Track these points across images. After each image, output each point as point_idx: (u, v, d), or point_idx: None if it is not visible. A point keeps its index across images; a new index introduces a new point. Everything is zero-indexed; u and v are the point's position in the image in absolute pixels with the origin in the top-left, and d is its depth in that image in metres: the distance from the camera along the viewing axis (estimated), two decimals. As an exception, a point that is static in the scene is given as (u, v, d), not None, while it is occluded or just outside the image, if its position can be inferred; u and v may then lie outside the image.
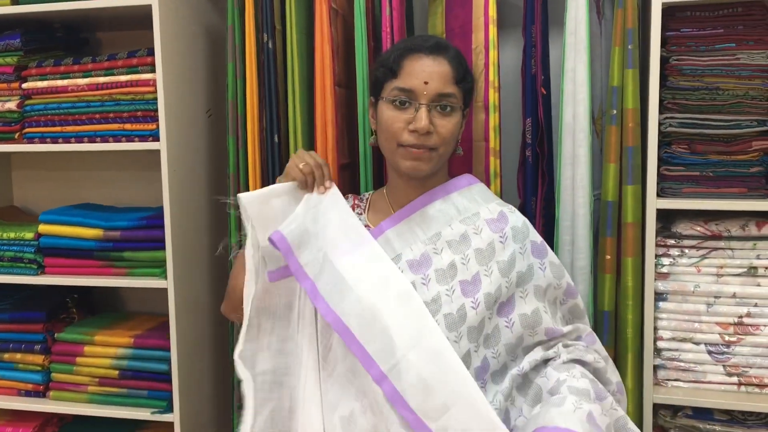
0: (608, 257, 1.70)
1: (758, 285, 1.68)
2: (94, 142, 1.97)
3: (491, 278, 1.39)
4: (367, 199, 1.60)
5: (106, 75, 1.95)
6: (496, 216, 1.46)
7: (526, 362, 1.41)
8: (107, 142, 1.96)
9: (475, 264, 1.40)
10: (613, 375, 1.47)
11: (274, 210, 1.44)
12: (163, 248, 1.93)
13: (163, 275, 1.96)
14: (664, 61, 1.65)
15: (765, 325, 1.68)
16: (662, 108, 1.66)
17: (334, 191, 1.48)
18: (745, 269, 1.68)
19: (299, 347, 1.45)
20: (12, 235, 2.05)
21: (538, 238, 1.47)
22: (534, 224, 1.61)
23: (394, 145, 1.43)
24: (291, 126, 1.84)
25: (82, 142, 1.98)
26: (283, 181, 1.48)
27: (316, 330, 1.42)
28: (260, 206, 1.43)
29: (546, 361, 1.43)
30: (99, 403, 2.07)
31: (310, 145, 1.86)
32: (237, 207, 1.45)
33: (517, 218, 1.47)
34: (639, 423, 1.70)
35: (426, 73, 1.40)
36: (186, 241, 2.00)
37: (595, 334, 1.51)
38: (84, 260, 2.02)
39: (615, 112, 1.67)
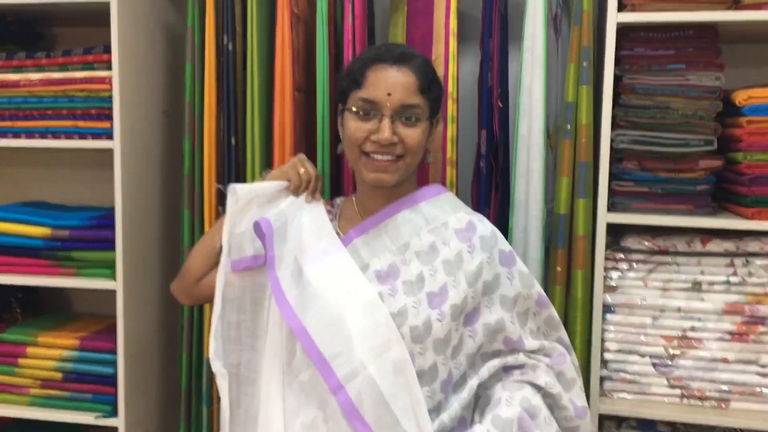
0: (559, 269, 1.73)
1: (702, 300, 1.72)
2: (46, 138, 1.93)
3: (458, 289, 1.38)
4: (338, 205, 1.60)
5: (60, 71, 1.91)
6: (464, 226, 1.46)
7: (485, 370, 1.42)
8: (59, 138, 1.92)
9: (442, 275, 1.40)
10: (577, 398, 1.46)
11: (250, 205, 1.49)
12: (113, 249, 1.89)
13: (113, 276, 1.92)
14: (617, 79, 1.69)
15: (707, 339, 1.72)
16: (614, 125, 1.70)
17: (320, 203, 1.53)
18: (690, 284, 1.73)
19: (266, 347, 1.45)
20: (-46, 231, 1.99)
21: (507, 247, 1.47)
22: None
23: (357, 154, 1.43)
24: (249, 129, 1.83)
25: (33, 137, 1.94)
26: (276, 178, 1.52)
27: (283, 334, 1.42)
28: (247, 199, 1.49)
29: (504, 369, 1.44)
30: (41, 406, 2.01)
31: (268, 149, 1.85)
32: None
33: (485, 227, 1.46)
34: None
35: (389, 84, 1.40)
36: (137, 243, 1.97)
37: (568, 354, 1.49)
38: (31, 259, 1.97)
39: (569, 127, 1.70)
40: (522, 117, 1.72)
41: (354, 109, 1.42)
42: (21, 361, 2.02)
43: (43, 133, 1.93)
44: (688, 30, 1.68)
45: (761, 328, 1.70)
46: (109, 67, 1.85)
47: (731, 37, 1.79)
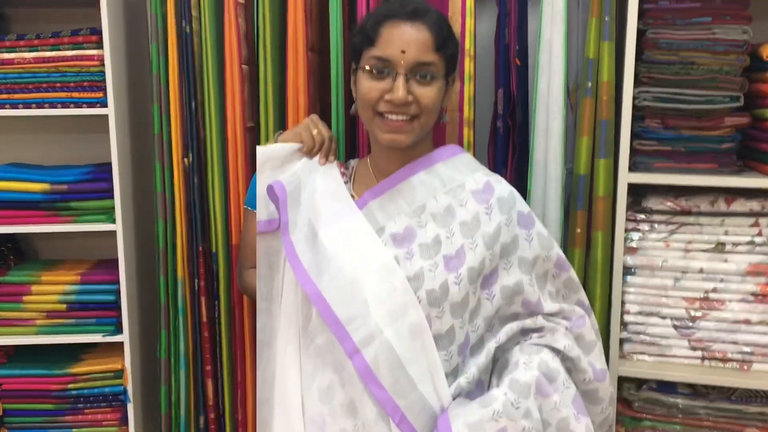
0: (578, 231, 1.71)
1: (725, 261, 1.70)
2: (43, 108, 2.07)
3: (475, 252, 1.36)
4: (352, 167, 1.58)
5: (52, 50, 2.06)
6: (481, 187, 1.43)
7: (503, 333, 1.40)
8: (56, 108, 2.06)
9: (459, 237, 1.38)
10: (597, 361, 1.45)
11: (263, 167, 1.49)
12: (111, 197, 2.06)
13: (110, 220, 2.07)
14: (640, 34, 1.65)
15: (730, 301, 1.70)
16: (637, 82, 1.66)
17: (333, 165, 1.52)
18: (713, 245, 1.70)
19: (282, 312, 1.45)
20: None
21: (526, 208, 1.44)
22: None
23: (371, 114, 1.40)
24: (261, 96, 1.88)
25: (30, 108, 2.07)
26: (288, 139, 1.51)
27: (299, 298, 1.41)
28: (261, 162, 1.49)
29: (523, 332, 1.43)
30: (48, 334, 2.13)
31: (282, 112, 1.85)
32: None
33: (503, 188, 1.44)
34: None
35: (403, 41, 1.35)
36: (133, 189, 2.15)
37: (587, 317, 1.47)
38: (30, 211, 2.10)
39: (590, 84, 1.66)
40: (541, 74, 1.68)
41: (367, 67, 1.38)
42: (26, 298, 2.14)
43: (40, 104, 2.07)
44: (715, -20, 1.62)
45: (786, 290, 1.69)
46: (98, 47, 2.03)
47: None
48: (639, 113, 1.68)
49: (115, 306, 2.13)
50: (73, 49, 2.07)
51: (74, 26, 2.11)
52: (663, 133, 1.68)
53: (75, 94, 2.08)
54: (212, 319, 2.11)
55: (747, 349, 1.71)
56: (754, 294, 1.69)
